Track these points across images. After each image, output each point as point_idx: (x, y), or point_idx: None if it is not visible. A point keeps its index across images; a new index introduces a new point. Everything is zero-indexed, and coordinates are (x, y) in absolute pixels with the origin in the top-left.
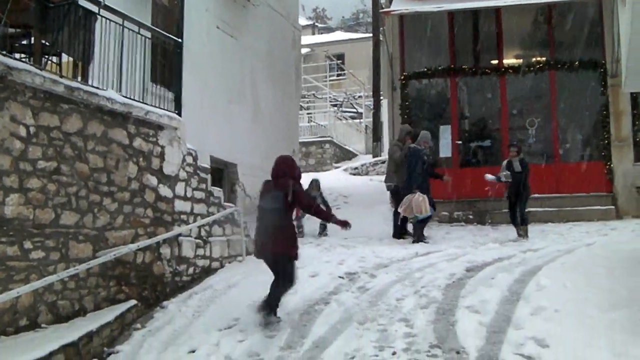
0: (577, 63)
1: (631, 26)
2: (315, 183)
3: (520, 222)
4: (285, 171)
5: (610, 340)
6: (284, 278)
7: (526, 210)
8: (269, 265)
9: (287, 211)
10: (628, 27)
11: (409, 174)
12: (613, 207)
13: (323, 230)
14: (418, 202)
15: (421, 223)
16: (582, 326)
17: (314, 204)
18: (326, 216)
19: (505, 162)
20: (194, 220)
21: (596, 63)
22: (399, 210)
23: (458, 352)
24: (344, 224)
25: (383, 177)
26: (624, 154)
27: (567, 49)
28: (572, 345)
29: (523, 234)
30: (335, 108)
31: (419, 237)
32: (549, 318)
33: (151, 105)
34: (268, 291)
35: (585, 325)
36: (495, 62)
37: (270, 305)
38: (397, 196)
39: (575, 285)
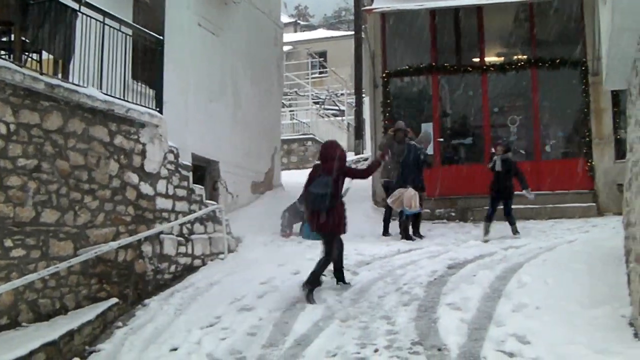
0: (558, 61)
1: (612, 24)
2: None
3: (508, 221)
4: (331, 155)
5: (591, 336)
6: (328, 253)
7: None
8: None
9: (335, 193)
10: (609, 24)
11: (403, 169)
12: (594, 204)
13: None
14: (409, 196)
15: (407, 219)
16: (563, 323)
17: (363, 171)
18: (372, 170)
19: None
20: (176, 218)
21: (577, 61)
22: (388, 201)
23: (440, 349)
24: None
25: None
26: (605, 151)
27: (548, 47)
28: (553, 342)
29: (515, 231)
30: (318, 106)
31: (404, 234)
32: (530, 315)
33: (132, 103)
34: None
35: (567, 321)
36: (477, 60)
37: (313, 278)
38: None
39: (556, 282)
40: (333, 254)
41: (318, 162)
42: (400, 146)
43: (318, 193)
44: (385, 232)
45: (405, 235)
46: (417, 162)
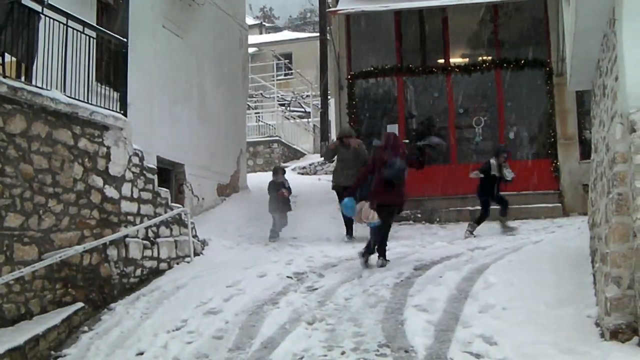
0: (522, 62)
1: (575, 25)
2: (281, 170)
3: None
4: (399, 143)
5: (557, 336)
6: (388, 223)
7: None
8: (379, 213)
9: (403, 170)
10: (572, 26)
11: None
12: (560, 204)
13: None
14: (367, 209)
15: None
16: (530, 323)
17: (418, 163)
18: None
19: (494, 163)
20: (141, 221)
21: (542, 62)
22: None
23: (407, 351)
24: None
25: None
26: (570, 151)
27: (513, 48)
28: (519, 342)
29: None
30: (283, 107)
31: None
32: (496, 315)
33: (96, 106)
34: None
35: (533, 322)
36: (441, 61)
37: (383, 251)
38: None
39: (522, 283)
40: (390, 224)
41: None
42: (348, 151)
43: (400, 168)
44: (349, 234)
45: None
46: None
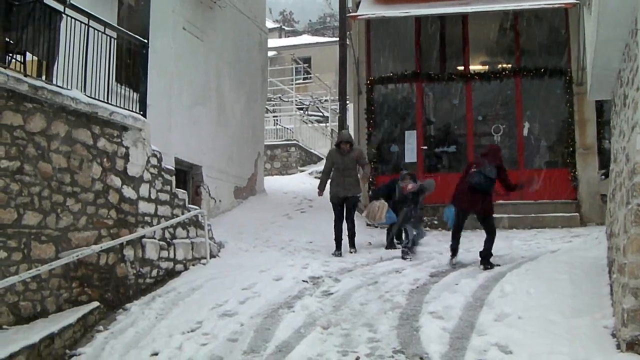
0: (542, 70)
1: (597, 34)
2: (409, 175)
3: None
4: (499, 156)
5: (573, 347)
6: (492, 231)
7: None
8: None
9: (492, 179)
10: (594, 35)
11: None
12: (577, 214)
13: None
14: (375, 208)
15: (391, 230)
16: (545, 332)
17: (508, 185)
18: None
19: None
20: (158, 222)
21: (562, 71)
22: (362, 215)
23: (421, 358)
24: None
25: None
26: (588, 161)
27: (533, 56)
28: (535, 352)
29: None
30: (301, 111)
31: (388, 244)
32: (512, 324)
33: (116, 106)
34: (483, 247)
35: (548, 331)
36: (461, 68)
37: (487, 257)
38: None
39: (538, 292)
40: (494, 230)
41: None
42: (343, 158)
43: (488, 176)
44: (338, 249)
45: (388, 245)
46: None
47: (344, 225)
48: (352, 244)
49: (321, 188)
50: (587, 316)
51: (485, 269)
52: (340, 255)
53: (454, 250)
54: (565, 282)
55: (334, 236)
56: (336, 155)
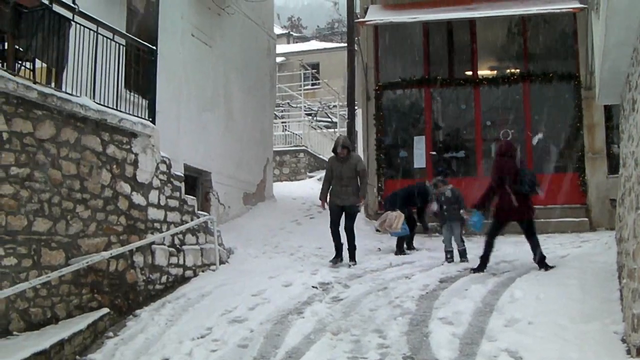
0: (551, 75)
1: (605, 39)
2: (440, 181)
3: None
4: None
5: (582, 352)
6: (534, 235)
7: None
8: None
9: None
10: (602, 39)
11: (400, 197)
12: (586, 219)
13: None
14: (392, 218)
15: (402, 239)
16: (555, 338)
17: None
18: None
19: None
20: (168, 229)
21: (570, 75)
22: (375, 225)
23: None
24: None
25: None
26: (597, 166)
27: (541, 61)
28: (545, 357)
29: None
30: (310, 117)
31: (398, 250)
32: (522, 330)
33: (125, 113)
34: (534, 253)
35: (558, 337)
36: (469, 73)
37: (542, 258)
38: None
39: (548, 297)
40: (536, 234)
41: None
42: (342, 165)
43: (533, 180)
44: (338, 256)
45: (398, 252)
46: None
47: (343, 239)
48: (352, 257)
49: (323, 197)
50: (596, 321)
51: (547, 269)
52: (339, 262)
53: (486, 259)
54: (575, 288)
55: (333, 243)
56: (335, 162)
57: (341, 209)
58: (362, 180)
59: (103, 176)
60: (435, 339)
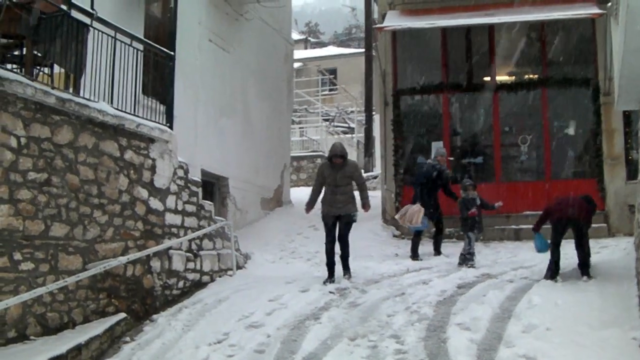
0: (569, 80)
1: (624, 44)
2: (471, 185)
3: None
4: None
5: (600, 358)
6: (586, 241)
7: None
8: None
9: None
10: (621, 45)
11: (416, 187)
12: (605, 224)
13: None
14: (413, 211)
15: (417, 236)
16: (573, 344)
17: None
18: None
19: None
20: (185, 234)
21: (589, 81)
22: (396, 217)
23: None
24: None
25: (375, 192)
26: (616, 171)
27: (559, 67)
28: None
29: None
30: (327, 123)
31: (413, 255)
32: (540, 336)
33: (143, 118)
34: (579, 259)
35: (576, 343)
36: (487, 78)
37: (587, 265)
38: None
39: (566, 303)
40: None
41: None
42: (335, 173)
43: None
44: (331, 277)
45: (413, 255)
46: (429, 181)
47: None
48: (346, 267)
49: (309, 206)
50: (615, 328)
51: (588, 275)
52: (332, 282)
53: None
54: (593, 294)
55: (325, 260)
56: (327, 169)
57: (336, 219)
58: (363, 190)
59: (120, 181)
60: (452, 345)
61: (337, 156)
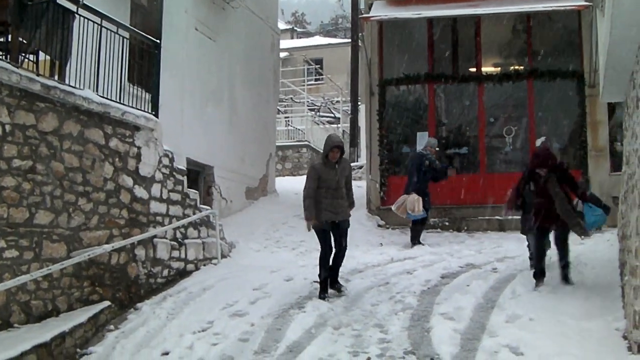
0: (555, 72)
1: (610, 36)
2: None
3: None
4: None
5: (584, 349)
6: (566, 245)
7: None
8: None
9: None
10: (607, 37)
11: (408, 178)
12: None
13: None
14: (412, 200)
15: (416, 225)
16: (557, 334)
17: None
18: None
19: None
20: (170, 222)
21: (574, 73)
22: (393, 208)
23: (432, 359)
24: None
25: (360, 182)
26: (600, 163)
27: (545, 58)
28: (546, 353)
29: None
30: (313, 112)
31: (413, 240)
32: (523, 326)
33: (128, 106)
34: (561, 262)
35: (560, 333)
36: (473, 69)
37: (567, 266)
38: None
39: (550, 294)
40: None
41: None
42: (334, 173)
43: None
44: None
45: (415, 242)
46: (419, 170)
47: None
48: (336, 278)
49: (314, 214)
50: (598, 318)
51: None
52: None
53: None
54: (577, 284)
55: (320, 276)
56: (324, 169)
57: (333, 227)
58: (350, 189)
59: (105, 169)
60: (436, 334)
61: (336, 147)
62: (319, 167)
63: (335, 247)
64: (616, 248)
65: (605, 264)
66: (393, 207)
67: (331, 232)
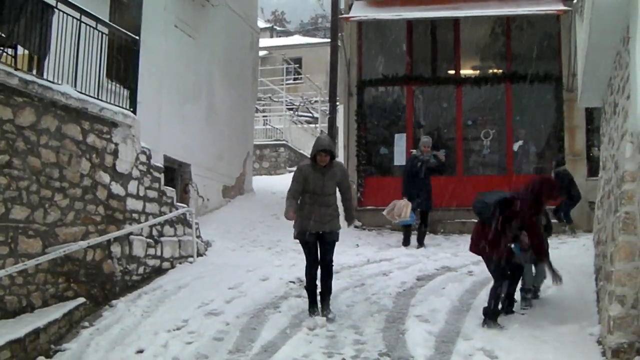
0: (533, 76)
1: (588, 41)
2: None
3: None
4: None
5: (558, 353)
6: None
7: None
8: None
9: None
10: (585, 42)
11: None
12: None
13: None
14: (400, 206)
15: (408, 228)
16: (531, 339)
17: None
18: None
19: None
20: (146, 220)
21: (552, 77)
22: (384, 213)
23: None
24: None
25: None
26: (577, 168)
27: (524, 62)
28: (520, 357)
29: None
30: (291, 112)
31: (419, 242)
32: (498, 330)
33: (106, 102)
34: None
35: (534, 337)
36: (452, 72)
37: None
38: None
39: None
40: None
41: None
42: (322, 177)
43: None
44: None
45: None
46: (409, 174)
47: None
48: (327, 302)
49: (293, 212)
50: (573, 323)
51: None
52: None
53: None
54: (552, 289)
55: (307, 288)
56: (311, 172)
57: (317, 238)
58: (349, 200)
59: (82, 165)
60: (411, 337)
61: (324, 151)
62: (306, 169)
63: (320, 261)
64: (592, 253)
65: (580, 268)
66: (384, 212)
67: (318, 243)
